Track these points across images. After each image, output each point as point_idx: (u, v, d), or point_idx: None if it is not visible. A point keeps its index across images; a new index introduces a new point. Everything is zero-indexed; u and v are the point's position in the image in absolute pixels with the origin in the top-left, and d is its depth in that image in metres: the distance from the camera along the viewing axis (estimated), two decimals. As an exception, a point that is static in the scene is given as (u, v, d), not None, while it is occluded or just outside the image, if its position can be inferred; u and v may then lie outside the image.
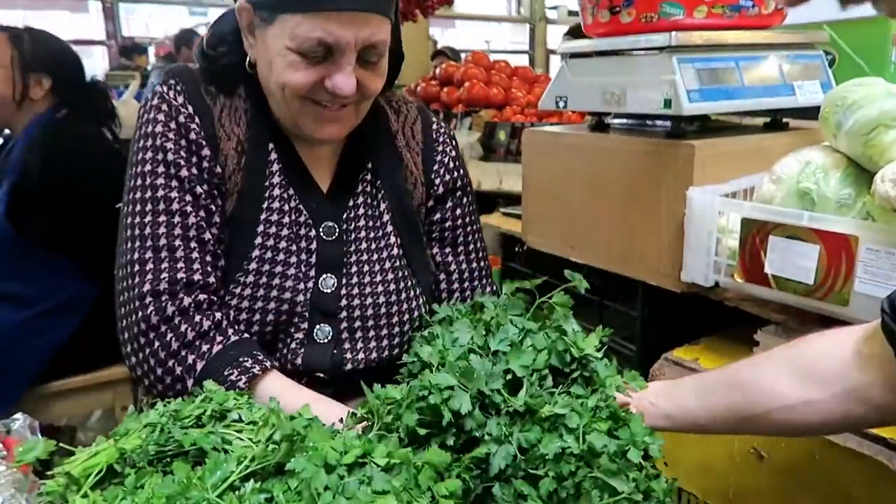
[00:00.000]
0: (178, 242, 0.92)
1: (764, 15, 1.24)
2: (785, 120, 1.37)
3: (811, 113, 1.26)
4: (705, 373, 0.91)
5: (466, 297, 1.13)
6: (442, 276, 1.12)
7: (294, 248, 0.97)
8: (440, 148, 1.11)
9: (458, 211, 1.12)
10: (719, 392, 0.82)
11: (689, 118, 1.20)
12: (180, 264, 0.91)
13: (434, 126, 1.13)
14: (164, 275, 0.90)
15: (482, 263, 1.16)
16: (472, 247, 1.14)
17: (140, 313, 0.89)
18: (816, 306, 1.01)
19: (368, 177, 1.05)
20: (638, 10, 1.23)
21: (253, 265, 0.95)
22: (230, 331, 0.91)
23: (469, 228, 1.14)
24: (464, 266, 1.13)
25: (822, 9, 1.51)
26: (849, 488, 0.94)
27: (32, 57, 1.81)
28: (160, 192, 0.92)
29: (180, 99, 0.94)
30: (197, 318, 0.89)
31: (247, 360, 0.88)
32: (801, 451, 0.98)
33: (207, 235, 0.94)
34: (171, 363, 0.88)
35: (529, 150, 1.55)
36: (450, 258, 1.12)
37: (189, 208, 0.93)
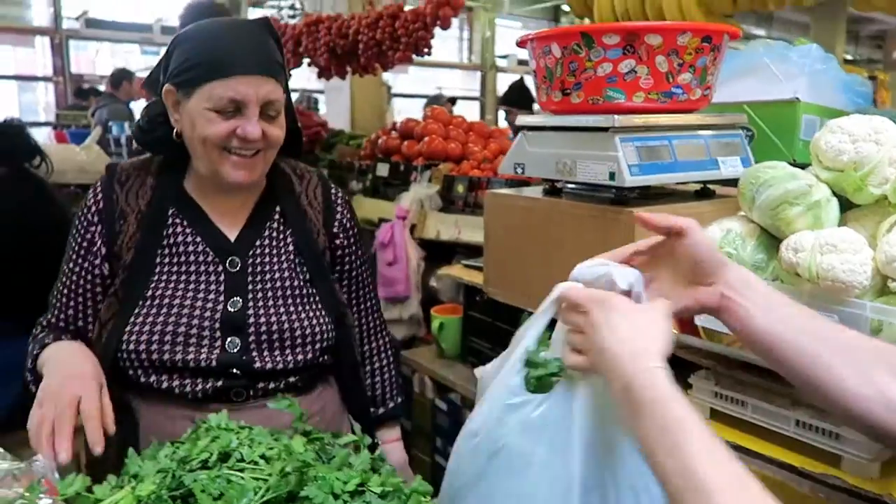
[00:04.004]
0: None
1: (692, 100, 1.44)
2: (712, 188, 1.57)
3: (734, 181, 1.47)
4: (798, 307, 0.86)
5: (368, 351, 1.47)
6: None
7: (197, 279, 1.25)
8: (338, 210, 1.40)
9: (354, 273, 1.43)
10: (807, 337, 0.80)
11: (630, 188, 1.38)
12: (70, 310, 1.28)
13: (332, 192, 1.41)
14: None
15: (372, 318, 1.48)
16: (364, 305, 1.46)
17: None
18: (738, 354, 1.18)
19: (275, 224, 1.32)
20: (586, 94, 1.42)
21: (149, 292, 1.23)
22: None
23: (360, 284, 1.44)
24: (363, 321, 1.46)
25: (744, 91, 1.74)
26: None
27: None
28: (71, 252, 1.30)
29: (93, 200, 1.28)
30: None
31: (51, 335, 1.24)
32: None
33: (98, 289, 1.27)
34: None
35: (490, 211, 1.71)
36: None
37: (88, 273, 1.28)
